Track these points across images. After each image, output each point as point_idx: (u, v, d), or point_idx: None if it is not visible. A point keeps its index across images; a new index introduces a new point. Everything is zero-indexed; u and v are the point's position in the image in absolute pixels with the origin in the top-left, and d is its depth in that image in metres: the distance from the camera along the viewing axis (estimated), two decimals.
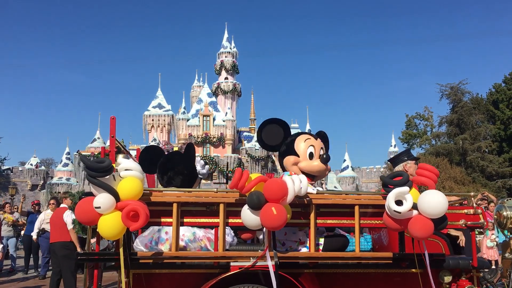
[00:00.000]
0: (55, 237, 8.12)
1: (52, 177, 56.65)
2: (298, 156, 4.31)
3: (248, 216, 3.51)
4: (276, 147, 4.51)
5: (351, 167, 62.50)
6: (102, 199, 3.34)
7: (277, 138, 4.47)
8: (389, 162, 5.61)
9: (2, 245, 9.24)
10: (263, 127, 4.50)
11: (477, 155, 47.73)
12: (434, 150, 48.61)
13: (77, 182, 53.01)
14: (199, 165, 4.70)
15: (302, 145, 4.33)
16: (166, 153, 4.73)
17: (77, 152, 52.50)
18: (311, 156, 4.31)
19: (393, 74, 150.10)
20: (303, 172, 4.18)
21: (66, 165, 55.56)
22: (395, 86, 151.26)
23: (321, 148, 4.41)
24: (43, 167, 60.42)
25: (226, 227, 3.91)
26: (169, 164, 4.56)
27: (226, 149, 53.76)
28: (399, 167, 5.25)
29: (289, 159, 4.34)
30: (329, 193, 4.19)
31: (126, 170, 3.53)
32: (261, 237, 4.27)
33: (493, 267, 7.64)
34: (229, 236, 4.05)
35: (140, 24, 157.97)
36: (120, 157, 3.89)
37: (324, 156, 4.28)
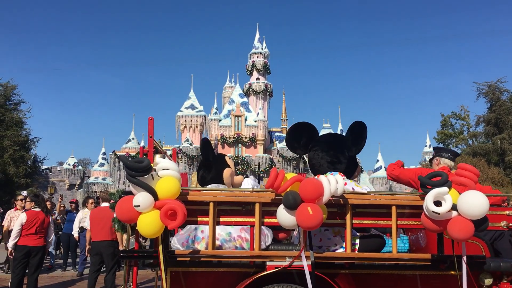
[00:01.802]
0: (101, 236, 8.19)
1: (88, 177, 58.04)
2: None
3: (283, 216, 3.52)
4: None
5: (384, 167, 61.50)
6: (141, 198, 3.42)
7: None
8: (433, 149, 5.67)
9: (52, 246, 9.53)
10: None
11: None
12: (471, 150, 47.33)
13: (113, 181, 54.13)
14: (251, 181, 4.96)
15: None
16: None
17: (112, 153, 53.66)
18: None
19: (428, 72, 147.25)
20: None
21: (102, 165, 56.85)
22: (430, 84, 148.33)
23: None
24: (80, 167, 61.98)
25: (265, 227, 3.93)
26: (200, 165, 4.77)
27: (258, 150, 53.84)
28: (436, 159, 5.43)
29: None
30: (366, 193, 4.15)
31: (164, 169, 3.61)
32: (295, 233, 4.26)
33: None
34: (269, 237, 4.07)
35: (173, 27, 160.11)
36: (158, 157, 3.96)
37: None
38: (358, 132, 4.33)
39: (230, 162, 4.73)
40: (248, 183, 5.15)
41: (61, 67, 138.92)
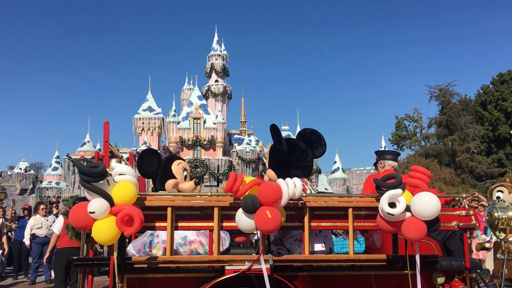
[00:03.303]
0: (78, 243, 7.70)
1: (41, 181, 56.09)
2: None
3: (242, 220, 3.51)
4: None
5: (342, 168, 62.72)
6: (96, 204, 3.32)
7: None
8: (375, 153, 5.78)
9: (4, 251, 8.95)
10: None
11: (466, 156, 48.23)
12: (424, 151, 49.06)
13: (67, 186, 52.57)
14: None
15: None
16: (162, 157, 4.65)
17: (66, 156, 52.13)
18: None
19: (382, 76, 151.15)
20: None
21: (55, 169, 55.07)
22: (384, 88, 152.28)
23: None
24: (32, 171, 59.83)
25: (223, 230, 3.91)
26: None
27: (217, 152, 53.68)
28: (380, 162, 5.59)
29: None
30: (324, 195, 4.22)
31: (120, 174, 3.53)
32: (254, 239, 4.30)
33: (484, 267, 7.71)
34: (226, 241, 4.05)
35: (130, 27, 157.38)
36: (114, 162, 3.87)
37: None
38: (315, 140, 4.45)
39: (177, 169, 4.42)
40: None
41: (11, 66, 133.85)
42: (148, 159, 4.42)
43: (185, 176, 4.46)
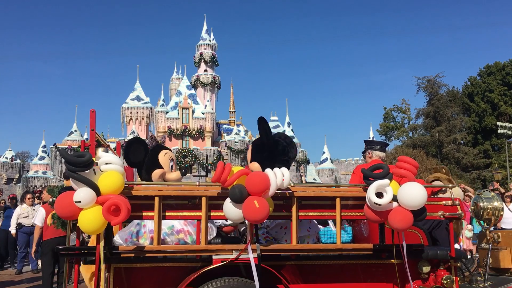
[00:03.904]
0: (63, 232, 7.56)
1: (28, 171, 55.60)
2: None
3: (230, 210, 3.51)
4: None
5: (330, 159, 63.00)
6: (83, 194, 3.29)
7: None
8: (364, 142, 5.78)
9: None
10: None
11: (452, 147, 48.71)
12: (411, 142, 49.41)
13: (54, 175, 52.15)
14: None
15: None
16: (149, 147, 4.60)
17: (53, 145, 51.63)
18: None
19: (371, 67, 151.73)
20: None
21: (42, 158, 54.61)
22: (373, 79, 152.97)
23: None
24: (18, 161, 59.26)
25: (209, 220, 3.90)
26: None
27: (206, 142, 53.57)
28: (368, 152, 5.62)
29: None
30: (311, 185, 4.22)
31: (106, 164, 3.49)
32: (242, 229, 4.31)
33: (469, 256, 7.83)
34: (213, 230, 4.05)
35: (118, 16, 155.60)
36: (100, 151, 3.83)
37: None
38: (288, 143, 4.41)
39: (163, 159, 4.36)
40: None
41: None
42: (135, 148, 4.37)
43: (172, 166, 4.42)
